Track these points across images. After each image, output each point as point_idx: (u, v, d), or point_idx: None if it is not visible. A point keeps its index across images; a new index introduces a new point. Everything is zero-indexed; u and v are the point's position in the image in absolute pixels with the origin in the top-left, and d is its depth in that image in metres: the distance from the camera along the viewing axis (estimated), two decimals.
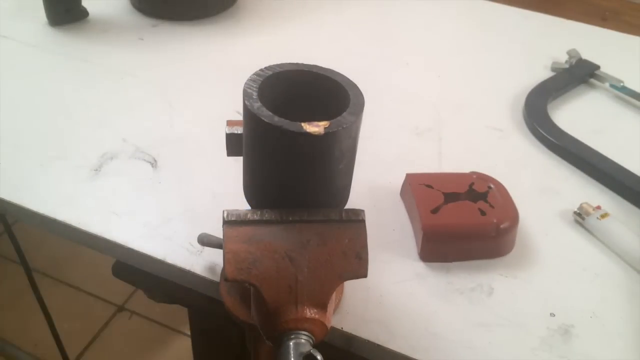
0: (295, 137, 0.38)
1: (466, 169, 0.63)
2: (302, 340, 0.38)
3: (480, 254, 0.57)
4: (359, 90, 0.41)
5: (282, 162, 0.40)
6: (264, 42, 0.88)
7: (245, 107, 0.40)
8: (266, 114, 0.38)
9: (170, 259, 0.55)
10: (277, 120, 0.38)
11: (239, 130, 0.45)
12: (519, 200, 0.59)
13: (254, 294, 0.42)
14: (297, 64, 0.43)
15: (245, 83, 0.41)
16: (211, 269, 0.54)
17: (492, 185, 0.59)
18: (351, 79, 0.43)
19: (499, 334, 0.51)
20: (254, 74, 0.42)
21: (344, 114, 0.39)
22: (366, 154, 0.70)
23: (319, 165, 0.40)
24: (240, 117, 0.43)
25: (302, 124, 0.38)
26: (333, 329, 0.50)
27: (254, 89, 0.40)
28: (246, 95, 0.40)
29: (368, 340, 0.50)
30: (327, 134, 0.37)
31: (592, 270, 0.58)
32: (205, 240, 0.54)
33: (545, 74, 0.85)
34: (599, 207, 0.61)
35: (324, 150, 0.39)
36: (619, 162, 0.68)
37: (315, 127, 0.37)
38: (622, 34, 0.98)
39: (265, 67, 0.43)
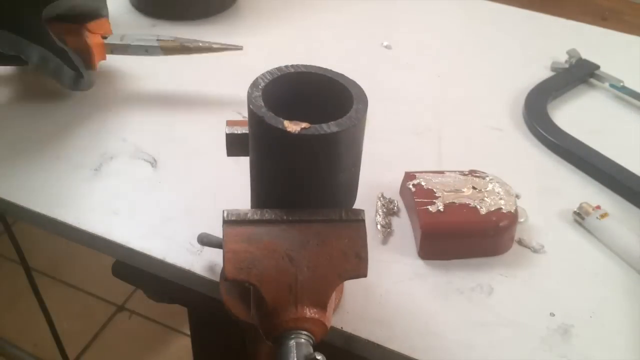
0: (271, 130, 0.38)
1: (466, 169, 0.63)
2: (302, 340, 0.38)
3: (479, 252, 0.57)
4: (363, 100, 0.41)
5: (266, 155, 0.41)
6: (264, 42, 0.88)
7: (248, 93, 0.40)
8: (257, 104, 0.39)
9: (170, 259, 0.55)
10: (263, 111, 0.39)
11: (239, 130, 0.45)
12: (518, 200, 0.59)
13: (253, 294, 0.42)
14: (313, 66, 0.43)
15: (261, 74, 0.42)
16: (211, 268, 0.54)
17: (491, 184, 0.59)
18: (351, 78, 0.43)
19: (498, 334, 0.51)
20: (269, 71, 0.42)
21: (331, 123, 0.38)
22: (366, 153, 0.70)
23: (302, 164, 0.40)
24: (240, 117, 0.43)
25: (285, 121, 0.38)
26: (333, 328, 0.50)
27: (266, 80, 0.41)
28: (254, 84, 0.41)
29: (368, 340, 0.50)
30: (303, 136, 0.37)
31: (591, 270, 0.58)
32: (205, 240, 0.54)
33: (545, 73, 0.85)
34: (598, 207, 0.61)
35: (304, 150, 0.39)
36: (618, 162, 0.68)
37: (294, 126, 0.37)
38: (622, 34, 0.98)
39: (283, 66, 0.43)
